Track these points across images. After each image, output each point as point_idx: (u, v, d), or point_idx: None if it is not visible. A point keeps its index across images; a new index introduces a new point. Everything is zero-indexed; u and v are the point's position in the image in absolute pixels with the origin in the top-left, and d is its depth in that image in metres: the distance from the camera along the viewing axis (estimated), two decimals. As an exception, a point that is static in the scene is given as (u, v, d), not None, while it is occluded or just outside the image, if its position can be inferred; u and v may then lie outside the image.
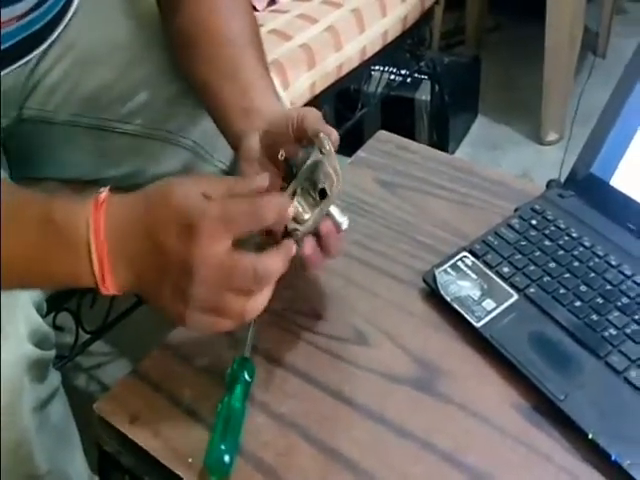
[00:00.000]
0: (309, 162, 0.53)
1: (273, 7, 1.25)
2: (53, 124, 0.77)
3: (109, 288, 0.49)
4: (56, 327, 0.83)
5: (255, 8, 1.21)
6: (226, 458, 0.50)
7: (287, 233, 0.51)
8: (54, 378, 0.64)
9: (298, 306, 0.63)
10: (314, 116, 0.55)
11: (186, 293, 0.47)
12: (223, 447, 0.51)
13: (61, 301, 0.86)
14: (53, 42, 0.75)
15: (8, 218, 0.48)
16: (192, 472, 0.52)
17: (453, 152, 1.74)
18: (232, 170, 0.79)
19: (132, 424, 0.55)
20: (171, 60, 0.74)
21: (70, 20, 0.76)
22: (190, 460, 0.52)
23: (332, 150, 0.52)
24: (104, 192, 0.49)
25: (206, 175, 0.51)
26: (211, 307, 0.47)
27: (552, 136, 1.76)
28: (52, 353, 0.62)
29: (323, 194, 0.52)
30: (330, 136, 0.53)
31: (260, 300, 0.49)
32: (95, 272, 0.48)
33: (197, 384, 0.57)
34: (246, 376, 0.55)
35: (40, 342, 0.58)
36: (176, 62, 0.73)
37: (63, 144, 0.78)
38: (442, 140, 1.67)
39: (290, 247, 0.50)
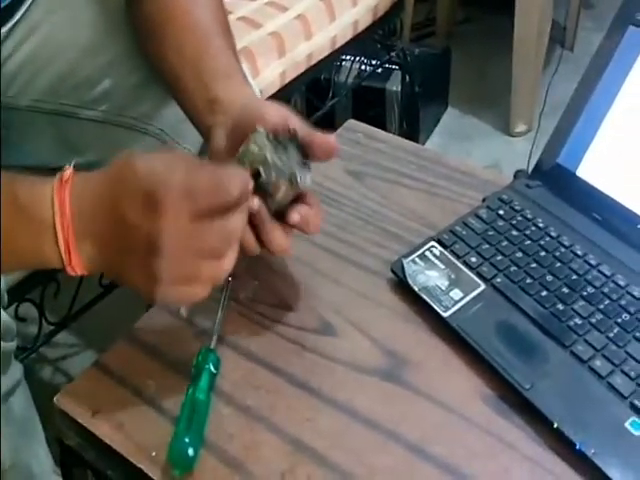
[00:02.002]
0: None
1: (242, -6, 1.23)
2: (14, 110, 0.75)
3: (75, 268, 0.48)
4: (19, 318, 0.82)
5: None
6: (190, 451, 0.49)
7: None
8: (16, 370, 0.63)
9: (265, 297, 0.62)
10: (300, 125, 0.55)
11: (154, 267, 0.46)
12: (187, 440, 0.50)
13: (24, 291, 0.84)
14: (14, 26, 0.73)
15: None
16: (156, 466, 0.51)
17: (423, 143, 1.75)
18: (199, 157, 0.78)
19: (94, 417, 0.54)
20: (137, 46, 0.73)
21: (31, 4, 0.74)
22: (154, 454, 0.51)
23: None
24: (68, 170, 0.48)
25: (170, 150, 0.51)
26: (182, 277, 0.47)
27: (521, 127, 1.78)
28: (14, 345, 0.61)
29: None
30: (324, 145, 0.54)
31: (228, 260, 0.49)
32: (61, 252, 0.47)
33: (161, 376, 0.56)
34: (211, 367, 0.54)
35: (1, 333, 0.57)
36: (142, 48, 0.72)
37: (25, 130, 0.76)
38: (413, 131, 1.67)
39: (248, 200, 0.50)
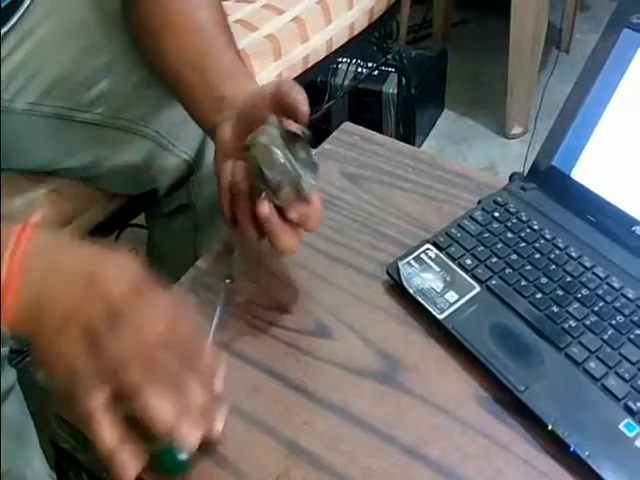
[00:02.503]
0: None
1: (239, -3, 1.23)
2: (10, 113, 0.75)
3: (7, 314, 0.42)
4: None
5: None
6: (181, 456, 0.48)
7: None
8: (9, 375, 0.62)
9: (261, 299, 0.62)
10: (288, 84, 0.54)
11: (99, 338, 0.41)
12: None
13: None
14: (10, 29, 0.73)
15: None
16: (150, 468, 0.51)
17: (420, 145, 1.75)
18: (196, 159, 0.79)
19: (90, 420, 0.54)
20: (133, 48, 0.73)
21: (28, 7, 0.74)
22: (148, 457, 0.51)
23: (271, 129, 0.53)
24: (39, 215, 0.45)
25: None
26: (123, 370, 0.41)
27: (517, 129, 1.78)
28: (6, 350, 0.60)
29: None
30: (298, 105, 0.52)
31: (167, 405, 0.43)
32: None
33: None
34: None
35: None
36: (139, 50, 0.72)
37: (20, 134, 0.76)
38: (409, 133, 1.67)
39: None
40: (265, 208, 0.52)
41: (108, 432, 0.42)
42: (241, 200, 0.55)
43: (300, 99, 0.53)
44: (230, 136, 0.58)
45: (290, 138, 0.53)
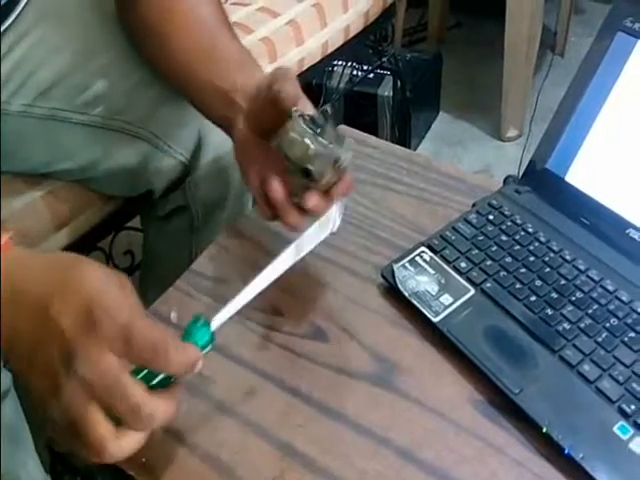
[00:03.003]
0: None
1: (234, 0, 1.24)
2: (5, 115, 0.75)
3: None
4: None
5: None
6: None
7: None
8: (5, 379, 0.62)
9: (255, 302, 0.62)
10: (281, 77, 0.55)
11: (57, 379, 0.40)
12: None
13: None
14: (6, 30, 0.73)
15: None
16: (145, 472, 0.51)
17: (415, 148, 1.75)
18: (192, 161, 0.78)
19: (84, 423, 0.54)
20: (129, 50, 0.73)
21: (24, 7, 0.74)
22: (144, 460, 0.51)
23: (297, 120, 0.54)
24: (5, 237, 0.43)
25: (125, 281, 0.44)
26: (76, 409, 0.40)
27: (512, 132, 1.79)
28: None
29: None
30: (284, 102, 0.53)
31: (130, 441, 0.41)
32: None
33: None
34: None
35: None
36: (136, 52, 0.72)
37: (16, 135, 0.76)
38: (404, 136, 1.68)
39: (179, 397, 0.43)
40: (276, 189, 0.54)
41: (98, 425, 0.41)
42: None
43: (284, 96, 0.54)
44: (245, 131, 0.59)
45: (314, 122, 0.54)
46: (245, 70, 0.62)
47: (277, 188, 0.56)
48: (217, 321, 0.48)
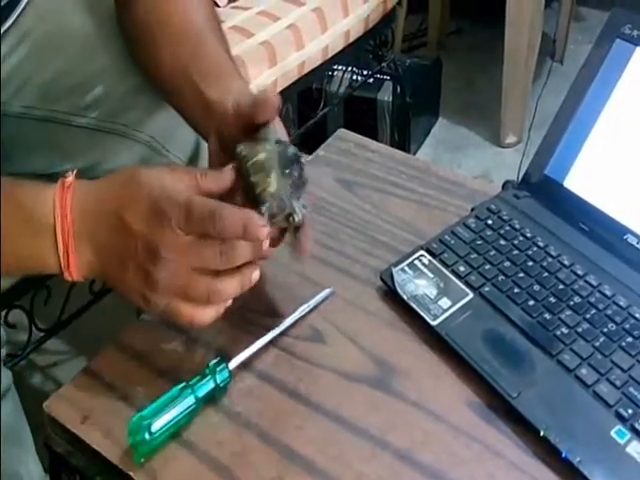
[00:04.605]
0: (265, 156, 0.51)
1: (235, 3, 1.24)
2: (5, 116, 0.75)
3: (73, 273, 0.49)
4: (8, 325, 0.82)
5: (217, 4, 1.20)
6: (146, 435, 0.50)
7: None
8: (5, 377, 0.62)
9: (254, 304, 0.62)
10: (260, 103, 0.53)
11: (151, 276, 0.47)
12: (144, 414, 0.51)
13: (13, 298, 0.84)
14: (5, 32, 0.73)
15: None
16: (143, 473, 0.51)
17: (414, 153, 1.76)
18: (190, 165, 0.79)
19: (83, 424, 0.54)
20: (128, 53, 0.73)
21: (24, 9, 0.74)
22: (142, 460, 0.51)
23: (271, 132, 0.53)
24: (70, 176, 0.49)
25: (174, 165, 0.52)
26: (176, 290, 0.47)
27: (511, 138, 1.79)
28: (3, 352, 0.60)
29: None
30: (268, 103, 0.53)
31: (227, 284, 0.48)
32: (60, 256, 0.48)
33: (150, 383, 0.56)
34: (217, 379, 0.54)
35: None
36: (133, 53, 0.72)
37: (15, 137, 0.76)
38: (404, 141, 1.68)
39: (249, 274, 0.50)
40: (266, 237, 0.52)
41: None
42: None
43: (261, 119, 0.53)
44: (216, 147, 0.58)
45: (287, 156, 0.51)
46: (220, 82, 0.60)
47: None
48: (234, 362, 0.55)
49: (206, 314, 0.49)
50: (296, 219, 0.51)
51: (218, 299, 0.49)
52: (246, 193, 0.51)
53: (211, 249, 0.47)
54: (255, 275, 0.51)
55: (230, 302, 0.51)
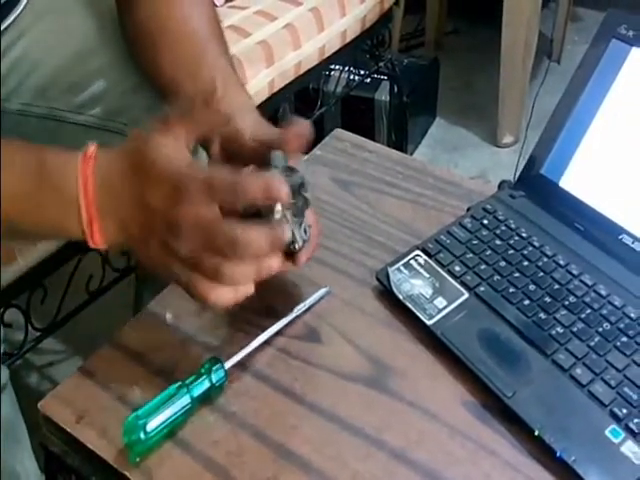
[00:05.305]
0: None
1: (232, 3, 1.24)
2: (4, 113, 0.75)
3: (97, 242, 0.50)
4: (4, 324, 0.81)
5: (214, 3, 1.20)
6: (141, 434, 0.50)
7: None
8: (2, 376, 0.62)
9: (250, 303, 0.62)
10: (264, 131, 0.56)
11: (172, 247, 0.47)
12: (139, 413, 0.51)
13: (10, 297, 0.84)
14: (5, 29, 0.73)
15: (3, 164, 0.48)
16: (139, 472, 0.51)
17: (411, 153, 1.76)
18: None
19: (78, 423, 0.54)
20: (127, 52, 0.73)
21: (25, 7, 0.74)
22: (138, 460, 0.51)
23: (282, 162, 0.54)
24: (92, 147, 0.49)
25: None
26: (192, 264, 0.48)
27: (508, 139, 1.79)
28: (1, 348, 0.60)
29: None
30: (300, 128, 0.55)
31: (241, 270, 0.48)
32: (84, 226, 0.49)
33: (146, 382, 0.56)
34: (213, 379, 0.54)
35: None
36: (133, 55, 0.72)
37: (14, 134, 0.76)
38: (401, 141, 1.68)
39: (281, 231, 0.49)
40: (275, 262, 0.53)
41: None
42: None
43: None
44: (218, 157, 0.59)
45: (292, 184, 0.51)
46: (227, 93, 0.61)
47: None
48: (230, 362, 0.55)
49: (222, 295, 0.49)
50: (297, 247, 0.53)
51: (227, 281, 0.49)
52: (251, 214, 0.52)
53: (223, 231, 0.47)
54: (274, 263, 0.50)
55: (252, 290, 0.51)
